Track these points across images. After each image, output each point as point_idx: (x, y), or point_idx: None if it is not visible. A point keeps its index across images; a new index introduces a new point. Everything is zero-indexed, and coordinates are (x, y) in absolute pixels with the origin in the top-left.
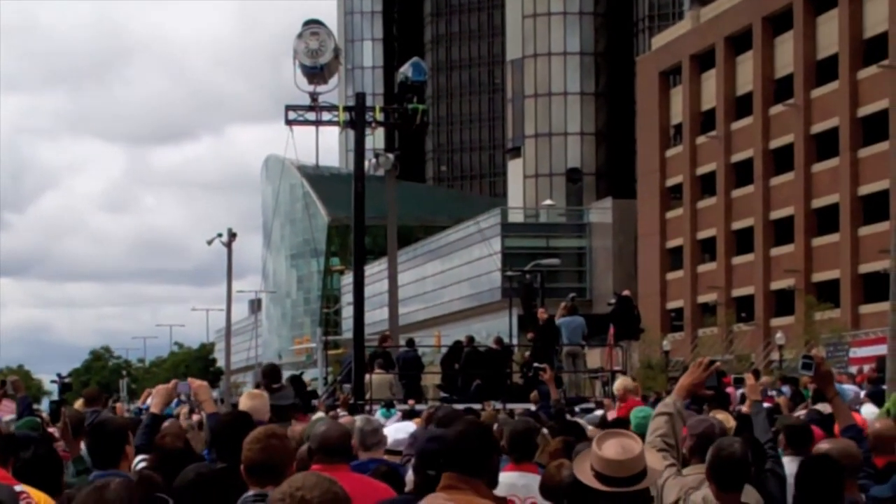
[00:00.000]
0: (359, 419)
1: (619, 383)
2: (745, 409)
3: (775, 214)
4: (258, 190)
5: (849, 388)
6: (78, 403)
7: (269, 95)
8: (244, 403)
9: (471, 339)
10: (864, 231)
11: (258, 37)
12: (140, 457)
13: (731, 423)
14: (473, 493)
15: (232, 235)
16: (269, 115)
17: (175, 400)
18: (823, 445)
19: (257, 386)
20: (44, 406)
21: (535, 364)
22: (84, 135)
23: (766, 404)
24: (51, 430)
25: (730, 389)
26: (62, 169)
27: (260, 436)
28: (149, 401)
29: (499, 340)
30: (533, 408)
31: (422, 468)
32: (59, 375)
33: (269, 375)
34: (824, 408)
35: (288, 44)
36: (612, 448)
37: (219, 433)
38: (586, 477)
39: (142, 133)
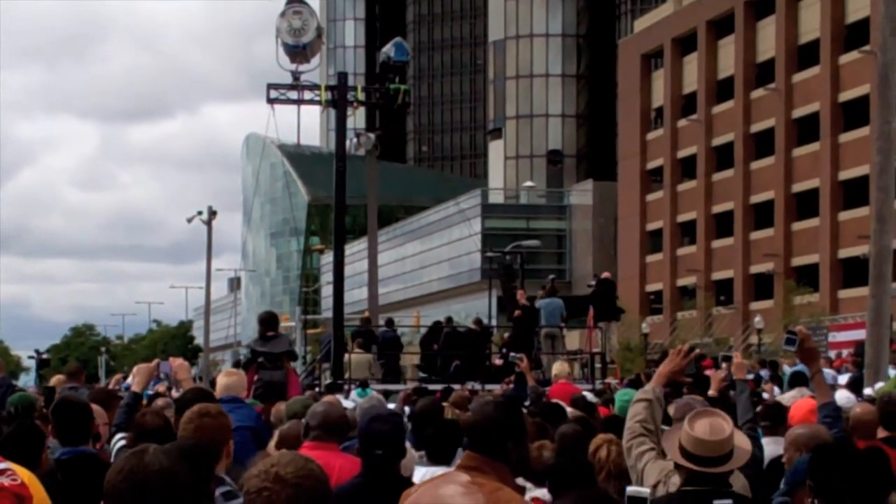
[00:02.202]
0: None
1: (555, 367)
2: (712, 391)
3: (755, 198)
4: (233, 168)
5: (826, 373)
6: (55, 379)
7: (245, 73)
8: (221, 381)
9: (449, 320)
10: (844, 216)
11: (233, 14)
12: (119, 435)
13: None
14: (496, 478)
15: (212, 213)
16: (244, 93)
17: (153, 378)
18: (796, 430)
19: (236, 364)
20: (21, 381)
21: (512, 354)
22: (59, 111)
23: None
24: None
25: (709, 372)
26: (38, 145)
27: (193, 416)
28: (129, 380)
29: (478, 321)
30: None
31: (368, 449)
32: (36, 351)
33: (265, 323)
34: (793, 396)
35: (263, 21)
36: (703, 428)
37: (181, 410)
38: (675, 455)
39: (116, 110)
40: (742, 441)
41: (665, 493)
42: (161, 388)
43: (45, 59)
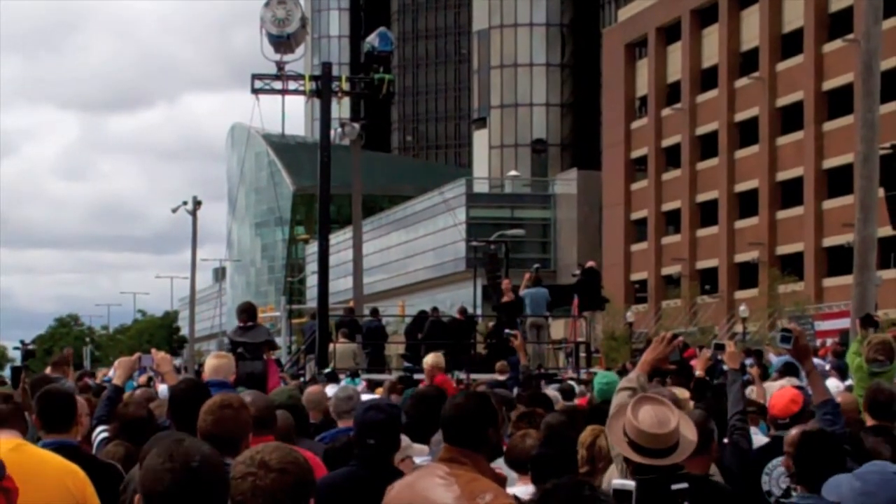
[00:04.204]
0: (337, 387)
1: (429, 360)
2: (699, 372)
3: (740, 187)
4: (214, 157)
5: (815, 362)
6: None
7: (224, 63)
8: (210, 363)
9: (435, 310)
10: (829, 204)
11: (211, 4)
12: (101, 427)
13: (685, 395)
14: (474, 469)
15: (197, 203)
16: (223, 82)
17: (137, 370)
18: (793, 432)
19: None
20: (7, 372)
21: (507, 330)
22: (39, 102)
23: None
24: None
25: (694, 362)
26: (18, 135)
27: (213, 406)
28: (111, 373)
29: (462, 310)
30: (500, 378)
31: (362, 438)
32: (21, 342)
33: (243, 313)
34: (781, 384)
35: (241, 11)
36: (648, 418)
37: (175, 402)
38: (618, 442)
39: (96, 100)
40: (688, 431)
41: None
42: (142, 379)
43: (24, 49)
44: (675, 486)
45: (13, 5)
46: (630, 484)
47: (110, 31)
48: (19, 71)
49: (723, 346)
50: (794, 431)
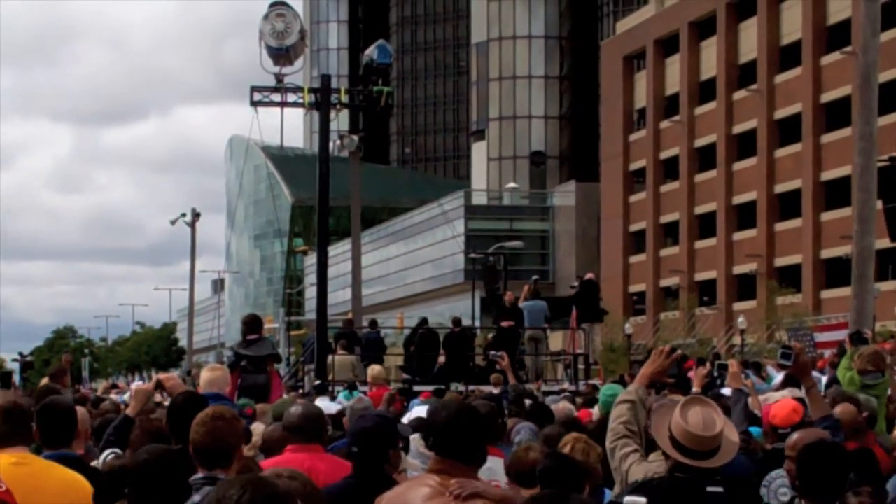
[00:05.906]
0: (326, 399)
1: (370, 372)
2: (696, 388)
3: (738, 199)
4: (209, 169)
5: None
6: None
7: (217, 75)
8: (204, 376)
9: (425, 322)
10: (827, 216)
11: (203, 15)
12: (109, 450)
13: None
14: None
15: (196, 215)
16: (216, 94)
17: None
18: (795, 436)
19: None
20: None
21: (492, 352)
22: (32, 114)
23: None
24: None
25: (692, 374)
26: (12, 148)
27: (206, 418)
28: (126, 396)
29: (456, 321)
30: (495, 391)
31: (350, 447)
32: (20, 354)
33: (248, 326)
34: (783, 394)
35: (234, 23)
36: (695, 420)
37: (173, 414)
38: (663, 441)
39: (89, 112)
40: (731, 434)
41: (657, 477)
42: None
43: (17, 62)
44: (710, 489)
45: (6, 18)
46: (641, 500)
47: (104, 43)
48: (12, 84)
49: (726, 366)
50: (795, 436)
